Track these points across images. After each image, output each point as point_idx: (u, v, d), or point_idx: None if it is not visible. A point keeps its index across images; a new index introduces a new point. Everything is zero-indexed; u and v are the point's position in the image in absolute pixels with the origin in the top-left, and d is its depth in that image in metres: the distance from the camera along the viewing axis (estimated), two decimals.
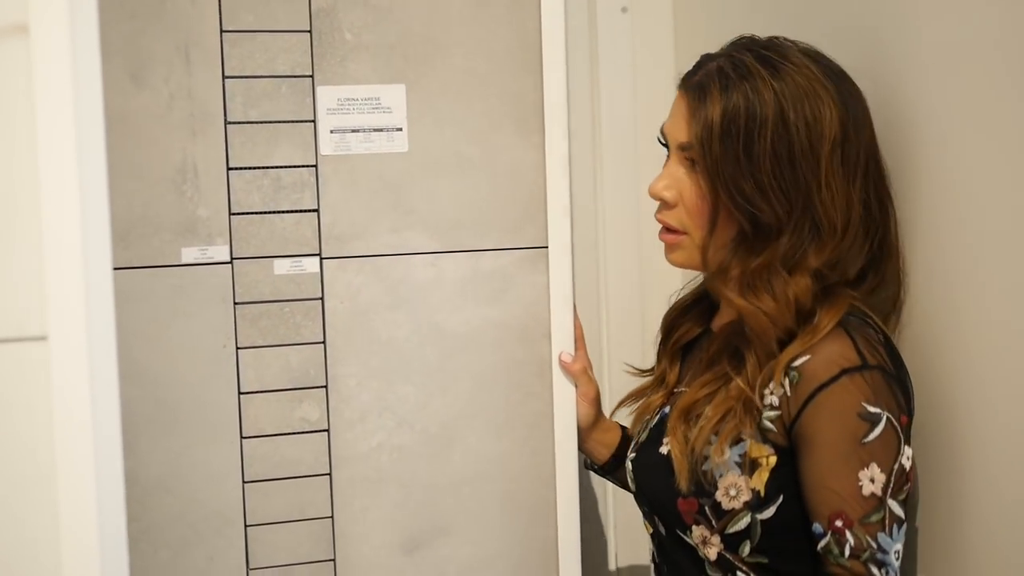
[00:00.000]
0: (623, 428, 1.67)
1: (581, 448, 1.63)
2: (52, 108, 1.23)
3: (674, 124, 1.42)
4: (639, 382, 1.62)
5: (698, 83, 1.39)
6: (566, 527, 1.58)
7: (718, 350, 1.43)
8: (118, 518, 1.53)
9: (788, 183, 1.35)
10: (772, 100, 1.35)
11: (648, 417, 1.52)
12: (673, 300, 1.61)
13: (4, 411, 1.26)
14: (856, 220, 1.38)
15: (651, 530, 1.51)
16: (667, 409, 1.48)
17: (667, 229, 1.45)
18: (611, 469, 1.66)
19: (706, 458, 1.37)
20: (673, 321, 1.57)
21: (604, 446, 1.65)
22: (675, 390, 1.51)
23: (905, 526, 1.32)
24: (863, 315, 1.37)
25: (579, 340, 1.60)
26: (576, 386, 1.58)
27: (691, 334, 1.54)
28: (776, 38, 1.42)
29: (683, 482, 1.39)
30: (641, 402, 1.57)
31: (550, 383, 1.58)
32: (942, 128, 1.38)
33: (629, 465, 1.51)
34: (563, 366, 1.57)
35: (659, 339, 1.60)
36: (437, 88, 1.50)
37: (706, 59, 1.43)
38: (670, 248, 1.45)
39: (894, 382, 1.33)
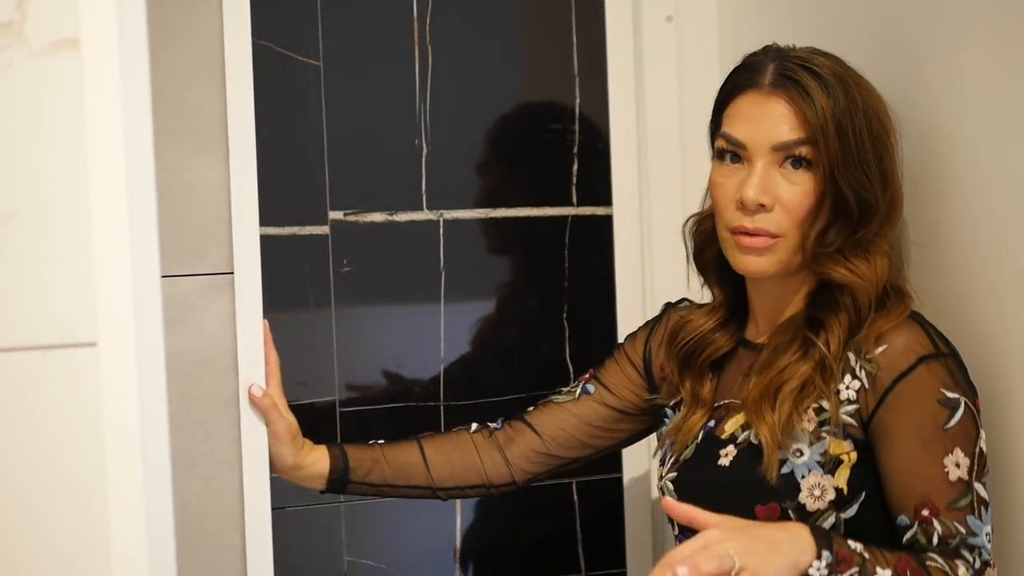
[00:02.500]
0: (334, 447, 1.61)
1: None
2: (102, 119, 1.26)
3: (764, 125, 1.40)
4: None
5: (792, 80, 1.39)
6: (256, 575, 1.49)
7: (792, 332, 1.42)
8: (166, 522, 1.56)
9: (879, 166, 1.39)
10: (855, 93, 1.39)
11: (691, 437, 1.48)
12: (681, 320, 1.56)
13: (55, 416, 1.29)
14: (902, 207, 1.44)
15: None
16: (712, 423, 1.47)
17: (758, 235, 1.40)
18: (340, 490, 1.62)
19: (797, 431, 1.36)
20: (700, 337, 1.52)
21: (314, 479, 1.59)
22: (716, 404, 1.48)
23: (991, 507, 1.33)
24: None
25: (271, 373, 1.54)
26: (267, 424, 1.53)
27: (723, 349, 1.51)
28: (809, 47, 1.44)
29: (772, 472, 1.36)
30: (673, 427, 1.53)
31: (237, 420, 1.48)
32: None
33: (670, 485, 1.48)
34: (252, 400, 1.51)
35: (679, 357, 1.54)
36: None
37: (767, 60, 1.42)
38: (761, 252, 1.40)
39: (963, 368, 1.36)
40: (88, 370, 1.28)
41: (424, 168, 1.86)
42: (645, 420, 1.63)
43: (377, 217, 1.85)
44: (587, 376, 1.64)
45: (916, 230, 1.51)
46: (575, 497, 1.96)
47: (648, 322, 1.66)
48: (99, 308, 1.29)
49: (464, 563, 1.92)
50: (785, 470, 1.36)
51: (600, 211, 1.95)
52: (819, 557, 1.27)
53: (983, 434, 1.34)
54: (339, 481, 1.60)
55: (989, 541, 1.32)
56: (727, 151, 1.42)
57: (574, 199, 1.94)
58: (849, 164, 1.37)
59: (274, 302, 1.81)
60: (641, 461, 1.96)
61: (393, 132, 1.85)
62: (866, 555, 1.29)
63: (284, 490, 1.80)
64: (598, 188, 1.94)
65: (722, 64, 1.90)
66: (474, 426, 1.65)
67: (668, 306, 1.65)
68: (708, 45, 1.91)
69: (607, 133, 1.93)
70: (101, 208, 1.30)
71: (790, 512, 1.36)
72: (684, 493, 1.45)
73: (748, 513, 1.35)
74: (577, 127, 1.94)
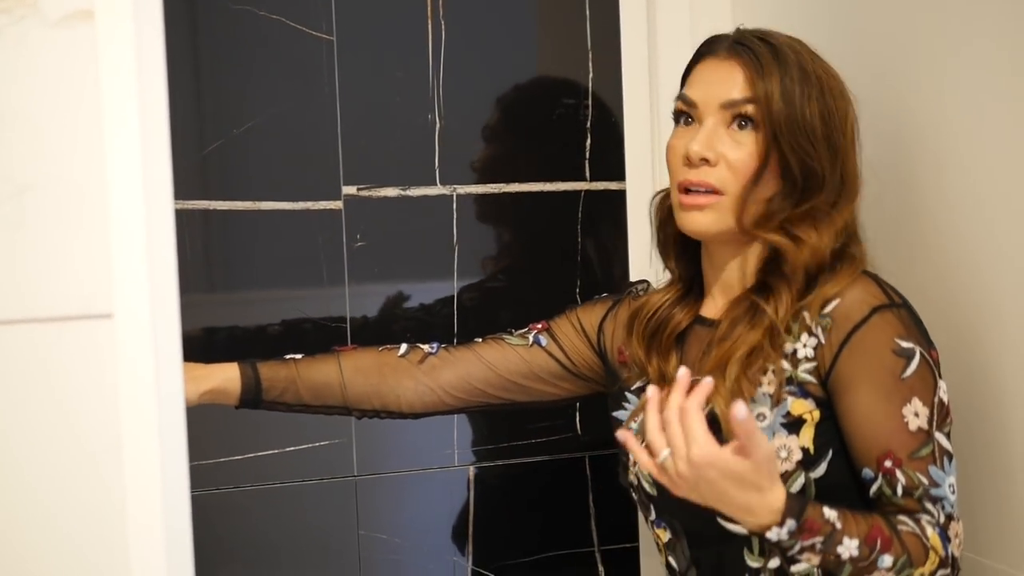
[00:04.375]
0: (245, 365, 1.58)
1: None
2: (117, 90, 1.27)
3: (715, 87, 1.44)
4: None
5: (746, 47, 1.44)
6: None
7: (743, 306, 1.42)
8: (182, 492, 1.56)
9: (831, 140, 1.41)
10: (810, 66, 1.42)
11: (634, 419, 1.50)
12: (641, 301, 1.57)
13: (71, 388, 1.29)
14: (860, 183, 1.45)
15: (666, 538, 1.48)
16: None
17: (700, 192, 1.42)
18: (253, 407, 1.59)
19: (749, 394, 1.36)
20: (661, 314, 1.52)
21: (225, 396, 1.58)
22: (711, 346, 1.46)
23: (954, 459, 1.33)
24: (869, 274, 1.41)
25: None
26: None
27: (682, 324, 1.51)
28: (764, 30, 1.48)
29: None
30: (639, 409, 1.52)
31: None
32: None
33: (640, 472, 1.48)
34: None
35: (644, 336, 1.53)
36: None
37: (728, 34, 1.48)
38: (702, 209, 1.42)
39: (917, 318, 1.36)
40: (104, 341, 1.28)
41: (437, 143, 1.86)
42: (588, 386, 1.64)
43: (390, 192, 1.85)
44: (540, 327, 1.65)
45: (910, 223, 1.54)
46: (588, 471, 1.96)
47: (609, 299, 1.66)
48: (115, 279, 1.30)
49: (476, 537, 1.93)
50: None
51: (613, 186, 1.95)
52: (781, 524, 1.23)
53: (942, 385, 1.34)
54: (251, 401, 1.58)
55: (953, 493, 1.32)
56: (682, 113, 1.48)
57: (587, 174, 1.94)
58: (793, 129, 1.39)
59: (288, 277, 1.82)
60: None
61: (406, 107, 1.85)
62: (837, 524, 1.26)
63: (296, 465, 1.81)
64: (611, 163, 1.94)
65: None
66: (403, 347, 1.63)
67: (630, 288, 1.65)
68: (722, 19, 1.91)
69: (620, 108, 1.92)
70: (116, 179, 1.31)
71: None
72: (657, 480, 1.39)
73: None
74: (590, 102, 1.93)
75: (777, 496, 1.24)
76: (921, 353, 1.33)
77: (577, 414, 1.96)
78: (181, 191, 1.66)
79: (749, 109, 1.41)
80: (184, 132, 1.70)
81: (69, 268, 1.25)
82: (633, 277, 1.92)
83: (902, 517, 1.30)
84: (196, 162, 1.75)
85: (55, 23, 1.14)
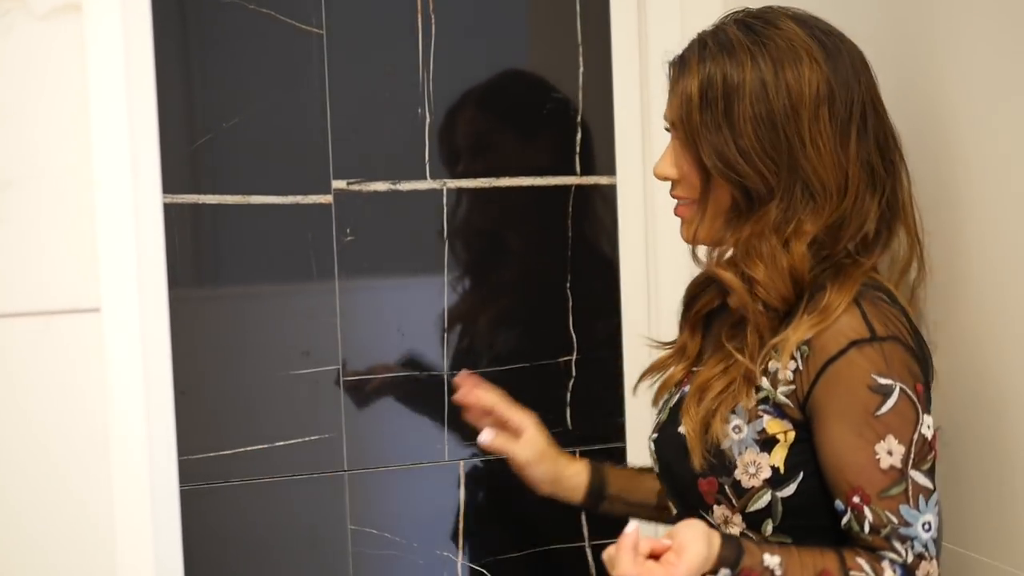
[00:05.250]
0: (592, 462, 1.62)
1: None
2: (105, 84, 1.26)
3: (667, 103, 1.43)
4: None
5: (680, 58, 1.41)
6: None
7: (729, 326, 1.42)
8: (171, 487, 1.56)
9: (771, 145, 1.34)
10: (750, 64, 1.35)
11: (667, 395, 1.51)
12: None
13: (58, 381, 1.29)
14: (855, 179, 1.36)
15: (675, 512, 1.49)
16: (687, 388, 1.46)
17: (683, 202, 1.43)
18: (595, 505, 1.63)
19: (717, 437, 1.35)
20: (696, 290, 1.54)
21: (571, 491, 1.61)
22: (694, 368, 1.48)
23: (935, 496, 1.29)
24: (877, 285, 1.35)
25: (493, 407, 1.58)
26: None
27: (713, 303, 1.51)
28: (770, 7, 1.42)
29: (696, 460, 1.38)
30: (661, 376, 1.54)
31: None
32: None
33: (651, 445, 1.50)
34: (486, 446, 1.58)
35: (681, 308, 1.56)
36: None
37: (700, 33, 1.43)
38: (684, 220, 1.44)
39: (908, 352, 1.31)
40: (91, 336, 1.28)
41: (427, 137, 1.86)
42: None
43: (380, 186, 1.84)
44: None
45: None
46: None
47: None
48: (102, 274, 1.30)
49: (467, 531, 1.93)
50: (725, 445, 1.36)
51: (604, 180, 1.94)
52: (715, 572, 1.27)
53: (927, 419, 1.29)
54: (595, 495, 1.61)
55: (927, 531, 1.28)
56: (667, 129, 1.46)
57: (578, 168, 1.93)
58: (715, 142, 1.35)
59: (277, 271, 1.82)
60: (643, 430, 1.96)
61: (396, 101, 1.84)
62: (777, 572, 1.28)
63: (286, 460, 1.81)
64: (601, 157, 1.94)
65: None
66: None
67: None
68: (713, 13, 1.90)
69: (610, 102, 1.92)
70: (104, 173, 1.30)
71: (727, 488, 1.36)
72: (659, 456, 1.47)
73: (694, 483, 1.38)
74: (581, 96, 1.93)
75: (711, 546, 1.27)
76: (901, 389, 1.28)
77: (568, 409, 1.96)
78: (170, 185, 1.65)
79: (673, 125, 1.41)
80: (173, 126, 1.69)
81: (56, 262, 1.25)
82: (623, 271, 1.92)
83: (860, 560, 1.28)
84: (185, 156, 1.75)
85: (42, 16, 1.13)
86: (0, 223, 1.21)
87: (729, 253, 1.40)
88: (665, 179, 1.44)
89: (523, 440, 1.59)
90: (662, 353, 1.57)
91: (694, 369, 1.48)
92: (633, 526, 1.25)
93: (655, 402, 1.55)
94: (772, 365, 1.34)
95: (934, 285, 1.44)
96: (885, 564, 1.27)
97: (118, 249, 1.34)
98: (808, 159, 1.34)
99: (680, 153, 1.41)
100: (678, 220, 1.49)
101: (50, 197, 1.27)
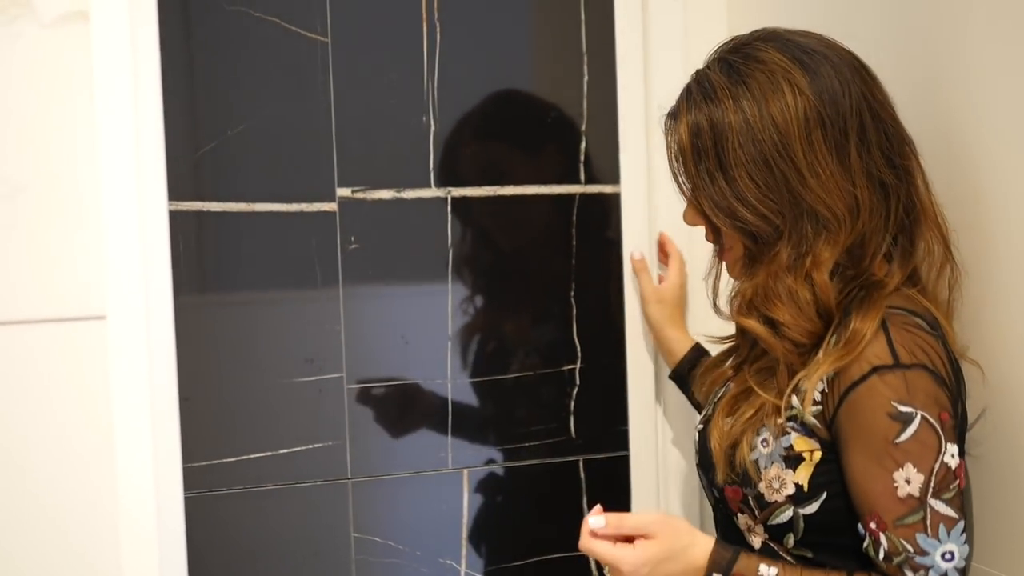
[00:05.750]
0: (699, 347, 1.76)
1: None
2: (111, 92, 1.26)
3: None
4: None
5: (672, 111, 1.42)
6: None
7: (762, 351, 1.42)
8: (176, 494, 1.56)
9: (767, 186, 1.33)
10: (732, 107, 1.34)
11: (716, 390, 1.51)
12: None
13: (64, 388, 1.29)
14: (864, 196, 1.34)
15: (712, 503, 1.51)
16: (731, 385, 1.47)
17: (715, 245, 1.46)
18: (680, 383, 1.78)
19: (743, 461, 1.37)
20: None
21: (666, 356, 1.80)
22: (744, 365, 1.47)
23: (960, 525, 1.27)
24: (912, 310, 1.33)
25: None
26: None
27: None
28: (758, 32, 1.40)
29: (720, 475, 1.39)
30: (714, 372, 1.55)
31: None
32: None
33: (696, 435, 1.51)
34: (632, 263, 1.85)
35: None
36: None
37: (689, 79, 1.42)
38: (727, 269, 1.47)
39: (936, 380, 1.29)
40: (97, 343, 1.28)
41: (432, 145, 1.86)
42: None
43: (385, 194, 1.84)
44: None
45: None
46: (582, 475, 1.96)
47: None
48: (108, 281, 1.30)
49: (471, 539, 1.92)
50: (752, 456, 1.36)
51: (608, 189, 1.94)
52: None
53: (951, 448, 1.27)
54: (679, 376, 1.78)
55: (948, 560, 1.26)
56: None
57: (582, 177, 1.94)
58: (713, 194, 1.35)
59: (282, 279, 1.82)
60: (647, 439, 1.96)
61: (401, 109, 1.84)
62: None
63: (290, 467, 1.81)
64: (606, 166, 1.94)
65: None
66: None
67: None
68: (717, 22, 1.91)
69: (615, 111, 1.92)
70: (110, 181, 1.31)
71: (750, 499, 1.37)
72: (699, 448, 1.48)
73: (722, 487, 1.41)
74: (585, 105, 1.93)
75: (699, 554, 1.33)
76: (923, 417, 1.26)
77: (571, 417, 1.95)
78: (175, 192, 1.65)
79: (675, 178, 1.42)
80: (178, 133, 1.69)
81: (62, 270, 1.25)
82: (627, 280, 1.92)
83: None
84: (190, 163, 1.75)
85: (49, 24, 1.14)
86: (7, 229, 1.21)
87: (749, 295, 1.38)
88: (694, 226, 1.45)
89: (665, 283, 1.83)
90: (721, 348, 1.58)
91: (743, 367, 1.47)
92: (597, 510, 1.34)
93: (705, 396, 1.56)
94: (804, 383, 1.33)
95: (966, 284, 1.42)
96: None
97: (124, 256, 1.34)
98: (811, 189, 1.33)
99: (691, 205, 1.42)
100: (681, 228, 1.50)
101: (57, 204, 1.28)
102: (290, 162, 1.80)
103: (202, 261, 1.80)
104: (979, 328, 1.43)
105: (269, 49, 1.78)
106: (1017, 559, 1.40)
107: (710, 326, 1.66)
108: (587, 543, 1.35)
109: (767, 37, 1.39)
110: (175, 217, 1.66)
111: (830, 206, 1.33)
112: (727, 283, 1.48)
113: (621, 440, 1.95)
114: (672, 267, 1.85)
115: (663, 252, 1.89)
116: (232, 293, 1.83)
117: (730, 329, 1.54)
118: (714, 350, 1.61)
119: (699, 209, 1.40)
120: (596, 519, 1.34)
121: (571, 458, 1.96)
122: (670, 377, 1.82)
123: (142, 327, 1.35)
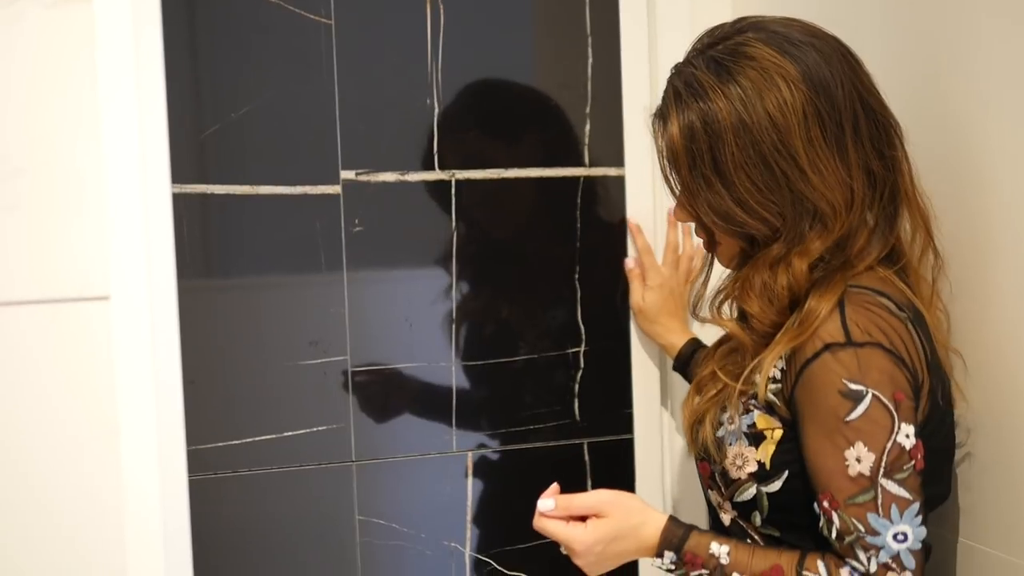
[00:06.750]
0: (694, 342, 1.75)
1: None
2: (114, 73, 1.26)
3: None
4: None
5: (659, 111, 1.38)
6: None
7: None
8: (180, 477, 1.56)
9: (768, 187, 1.31)
10: (726, 108, 1.30)
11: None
12: None
13: (68, 369, 1.30)
14: (859, 189, 1.33)
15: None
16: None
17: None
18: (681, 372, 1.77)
19: (706, 440, 1.39)
20: None
21: (665, 349, 1.79)
22: (719, 348, 1.49)
23: (915, 507, 1.26)
24: (875, 291, 1.32)
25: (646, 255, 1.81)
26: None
27: None
28: (739, 23, 1.37)
29: (690, 447, 1.43)
30: (704, 354, 1.57)
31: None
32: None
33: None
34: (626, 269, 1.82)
35: None
36: None
37: (671, 77, 1.39)
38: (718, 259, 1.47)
39: (892, 358, 1.27)
40: (101, 324, 1.28)
41: (436, 128, 1.85)
42: None
43: (389, 177, 1.84)
44: None
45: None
46: (587, 458, 1.96)
47: None
48: (112, 263, 1.30)
49: (475, 522, 1.93)
50: (719, 433, 1.38)
51: (612, 172, 1.94)
52: (660, 556, 1.34)
53: (905, 428, 1.26)
54: (679, 369, 1.77)
55: (900, 541, 1.25)
56: None
57: (586, 159, 1.93)
58: (709, 198, 1.33)
59: (286, 261, 1.82)
60: (652, 422, 1.96)
61: (405, 91, 1.84)
62: (724, 560, 1.30)
63: (294, 450, 1.81)
64: (610, 149, 1.93)
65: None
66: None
67: None
68: (721, 4, 1.90)
69: (619, 93, 1.91)
70: (114, 163, 1.30)
71: (716, 475, 1.38)
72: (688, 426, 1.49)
73: (697, 463, 1.43)
74: (589, 87, 1.93)
75: (651, 532, 1.35)
76: (875, 396, 1.25)
77: (576, 400, 1.95)
78: (179, 175, 1.65)
79: (666, 178, 1.41)
80: (182, 116, 1.69)
81: (65, 251, 1.25)
82: (630, 263, 1.92)
83: (819, 563, 1.28)
84: (194, 146, 1.75)
85: (51, 4, 1.13)
86: (10, 210, 1.21)
87: (727, 293, 1.41)
88: (684, 222, 1.47)
89: (647, 291, 1.80)
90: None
91: (718, 349, 1.49)
92: (551, 490, 1.38)
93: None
94: (761, 365, 1.34)
95: (955, 278, 1.42)
96: (845, 571, 1.27)
97: (128, 238, 1.34)
98: (814, 186, 1.31)
99: (683, 203, 1.40)
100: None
101: (60, 186, 1.28)
102: (294, 145, 1.80)
103: (206, 244, 1.80)
104: (967, 320, 1.43)
105: (273, 31, 1.77)
106: (1013, 537, 1.40)
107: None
108: (539, 523, 1.37)
109: (749, 29, 1.35)
110: (179, 200, 1.66)
111: (831, 201, 1.32)
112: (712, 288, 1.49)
113: (626, 423, 1.95)
114: (652, 274, 1.82)
115: (650, 258, 1.84)
116: (236, 276, 1.83)
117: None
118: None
119: (691, 213, 1.39)
120: (545, 501, 1.37)
121: (575, 441, 1.96)
122: (674, 369, 1.83)
123: (146, 309, 1.35)
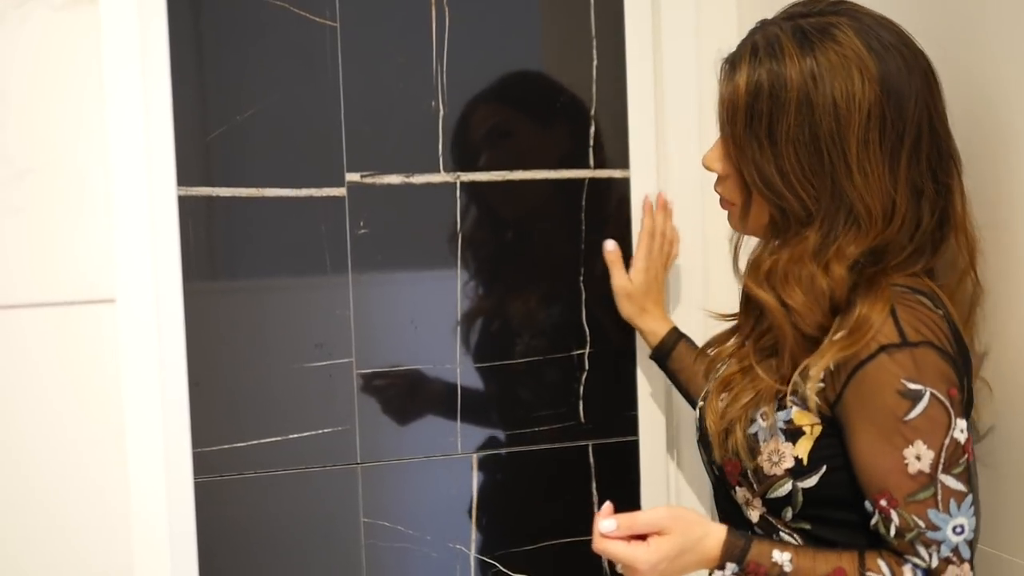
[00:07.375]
0: (676, 332, 1.78)
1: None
2: (120, 76, 1.26)
3: (718, 99, 1.40)
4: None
5: (731, 58, 1.38)
6: None
7: (766, 330, 1.41)
8: (186, 479, 1.57)
9: (811, 170, 1.31)
10: (798, 79, 1.30)
11: (718, 367, 1.51)
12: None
13: (74, 372, 1.30)
14: (902, 205, 1.32)
15: (712, 479, 1.51)
16: (731, 362, 1.47)
17: (721, 197, 1.44)
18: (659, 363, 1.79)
19: (737, 446, 1.37)
20: None
21: (646, 336, 1.79)
22: (747, 343, 1.46)
23: (970, 499, 1.28)
24: (917, 288, 1.33)
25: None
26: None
27: None
28: (838, 4, 1.36)
29: (716, 452, 1.41)
30: (716, 349, 1.54)
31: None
32: None
33: (697, 412, 1.51)
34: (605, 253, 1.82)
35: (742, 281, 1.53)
36: None
37: (754, 30, 1.39)
38: (728, 215, 1.45)
39: (943, 356, 1.29)
40: (107, 327, 1.29)
41: (441, 130, 1.86)
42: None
43: (394, 179, 1.84)
44: None
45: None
46: (591, 459, 1.96)
47: None
48: (118, 265, 1.30)
49: (480, 524, 1.93)
50: (751, 430, 1.37)
51: (617, 174, 1.94)
52: (722, 568, 1.33)
53: (960, 423, 1.27)
54: (657, 358, 1.80)
55: (959, 534, 1.27)
56: None
57: (591, 162, 1.93)
58: (756, 159, 1.33)
59: (291, 264, 1.82)
60: (657, 424, 1.96)
61: (410, 93, 1.84)
62: (787, 568, 1.30)
63: (299, 452, 1.81)
64: (615, 151, 1.93)
65: (740, 25, 1.89)
66: None
67: None
68: (727, 5, 1.90)
69: (624, 95, 1.92)
70: (119, 165, 1.31)
71: (749, 472, 1.38)
72: (699, 425, 1.49)
73: (722, 462, 1.42)
74: (594, 89, 1.93)
75: (712, 544, 1.33)
76: (932, 394, 1.27)
77: (580, 402, 1.95)
78: (184, 177, 1.65)
79: (720, 125, 1.39)
80: (187, 118, 1.69)
81: (71, 253, 1.25)
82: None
83: (880, 562, 1.29)
84: (199, 148, 1.75)
85: (59, 6, 1.14)
86: (16, 213, 1.21)
87: (767, 269, 1.38)
88: (711, 171, 1.43)
89: (631, 274, 1.81)
90: (723, 325, 1.57)
91: (746, 344, 1.46)
92: (607, 509, 1.34)
93: (706, 373, 1.55)
94: (808, 371, 1.33)
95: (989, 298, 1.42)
96: (907, 568, 1.28)
97: (133, 241, 1.34)
98: (855, 186, 1.31)
99: (725, 154, 1.40)
100: (690, 215, 1.49)
101: (65, 188, 1.28)
102: (299, 147, 1.80)
103: (211, 246, 1.80)
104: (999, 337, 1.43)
105: (278, 33, 1.77)
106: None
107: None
108: (600, 544, 1.34)
109: (846, 14, 1.34)
110: (184, 202, 1.66)
111: (868, 206, 1.32)
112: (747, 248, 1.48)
113: (630, 425, 1.95)
114: (638, 257, 1.83)
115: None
116: (241, 278, 1.83)
117: (733, 307, 1.55)
118: (717, 327, 1.60)
119: (734, 166, 1.38)
120: (607, 522, 1.33)
121: (580, 443, 1.96)
122: (651, 358, 1.83)
123: (151, 312, 1.35)
